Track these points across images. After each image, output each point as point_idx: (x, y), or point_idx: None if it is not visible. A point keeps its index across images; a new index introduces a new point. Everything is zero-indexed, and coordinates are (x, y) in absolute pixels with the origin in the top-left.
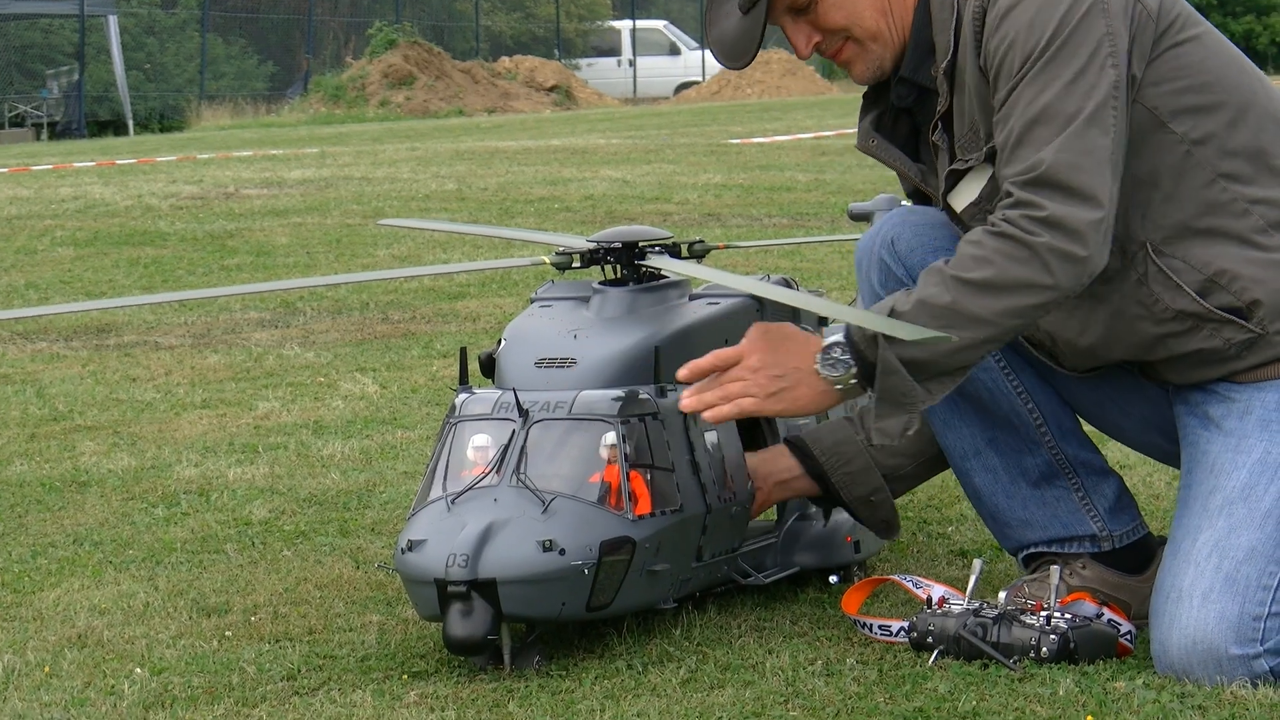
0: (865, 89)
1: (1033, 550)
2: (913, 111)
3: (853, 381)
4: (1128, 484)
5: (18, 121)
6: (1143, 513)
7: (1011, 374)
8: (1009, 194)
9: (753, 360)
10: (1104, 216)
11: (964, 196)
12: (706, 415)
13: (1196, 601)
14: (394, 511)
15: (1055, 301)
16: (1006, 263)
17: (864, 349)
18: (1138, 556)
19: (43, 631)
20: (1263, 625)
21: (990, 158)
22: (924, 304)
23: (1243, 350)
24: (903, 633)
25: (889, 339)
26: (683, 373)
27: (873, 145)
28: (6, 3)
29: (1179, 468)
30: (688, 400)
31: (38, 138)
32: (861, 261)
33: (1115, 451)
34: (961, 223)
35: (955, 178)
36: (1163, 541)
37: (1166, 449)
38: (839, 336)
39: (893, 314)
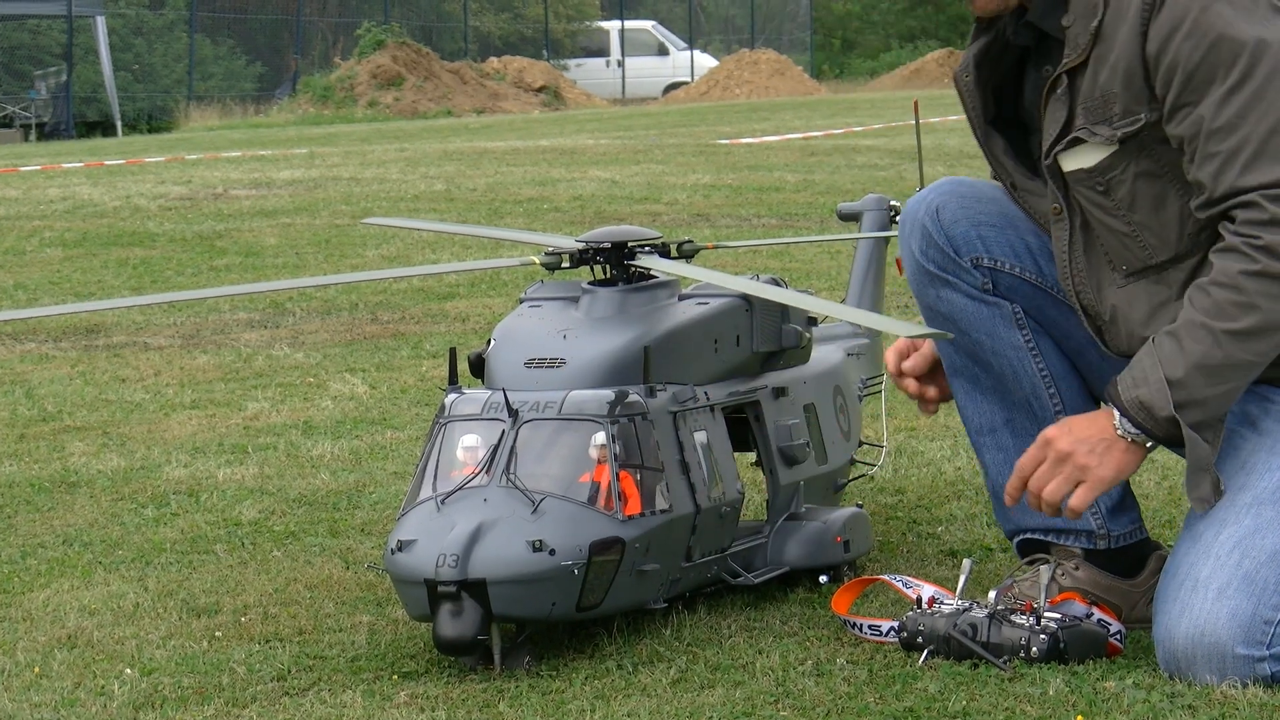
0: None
1: (1029, 536)
2: (1030, 49)
3: (1160, 436)
4: None
5: (6, 123)
6: None
7: (1040, 358)
8: (1253, 204)
9: (1061, 446)
10: None
11: (1076, 160)
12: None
13: (1211, 594)
14: (384, 512)
15: None
16: (1272, 303)
17: (1150, 426)
18: (1131, 559)
19: (32, 632)
20: (1272, 630)
21: (1123, 140)
22: (1201, 367)
23: None
24: (893, 633)
25: (1180, 409)
26: (1009, 500)
27: (965, 81)
28: None
29: None
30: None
31: (26, 139)
32: (905, 225)
33: None
34: (1060, 178)
35: (1074, 141)
36: (1157, 547)
37: None
38: (1118, 413)
39: (1170, 384)
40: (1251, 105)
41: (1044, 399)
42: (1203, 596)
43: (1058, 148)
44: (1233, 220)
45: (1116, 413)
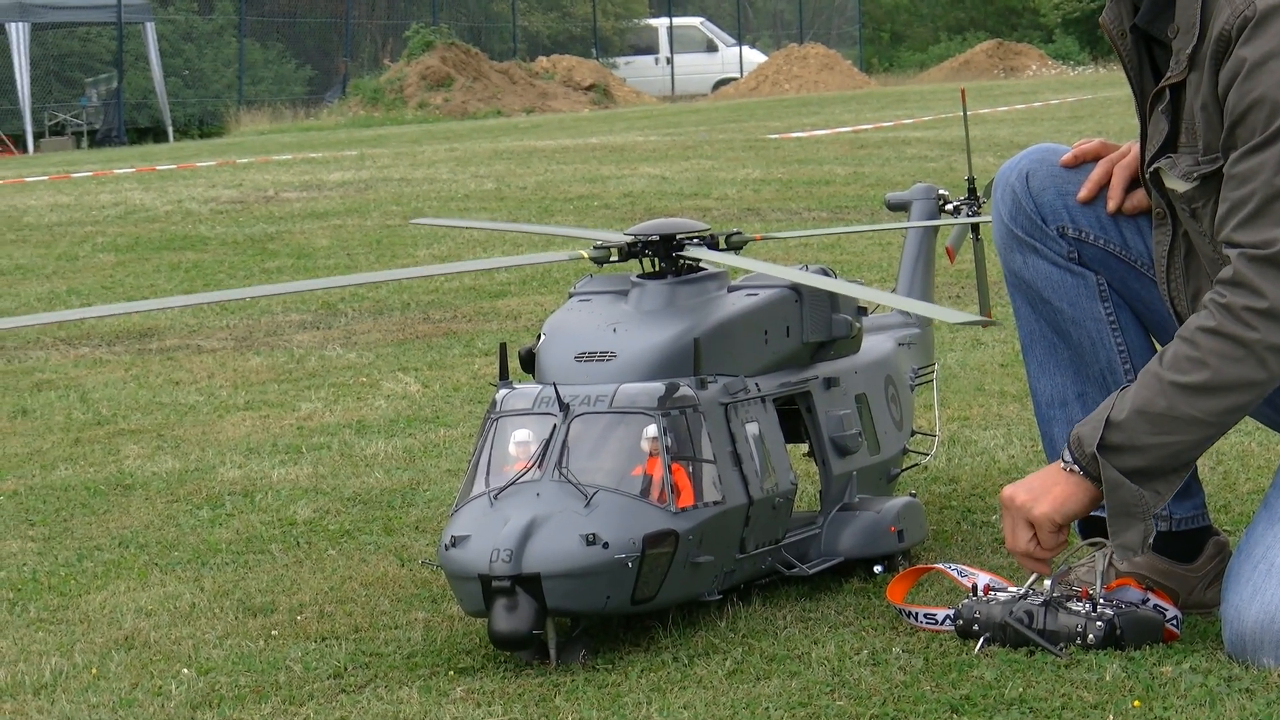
0: None
1: (1090, 514)
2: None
3: (1092, 474)
4: None
5: (58, 130)
6: None
7: (1119, 333)
8: (1233, 260)
9: (1006, 494)
10: None
11: (1171, 181)
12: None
13: None
14: (438, 509)
15: (1269, 389)
16: (1222, 363)
17: (1081, 460)
18: (1190, 544)
19: (90, 634)
20: None
21: (1204, 179)
22: (1141, 413)
23: None
24: (948, 621)
25: (1105, 452)
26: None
27: (1113, 29)
28: (44, 12)
29: None
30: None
31: (78, 146)
32: (996, 186)
33: None
34: (1162, 188)
35: (1169, 160)
36: (1216, 533)
37: (1271, 416)
38: (1067, 450)
39: (1109, 424)
40: (1268, 163)
41: (1119, 374)
42: (1277, 582)
43: (1158, 163)
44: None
45: (1064, 452)
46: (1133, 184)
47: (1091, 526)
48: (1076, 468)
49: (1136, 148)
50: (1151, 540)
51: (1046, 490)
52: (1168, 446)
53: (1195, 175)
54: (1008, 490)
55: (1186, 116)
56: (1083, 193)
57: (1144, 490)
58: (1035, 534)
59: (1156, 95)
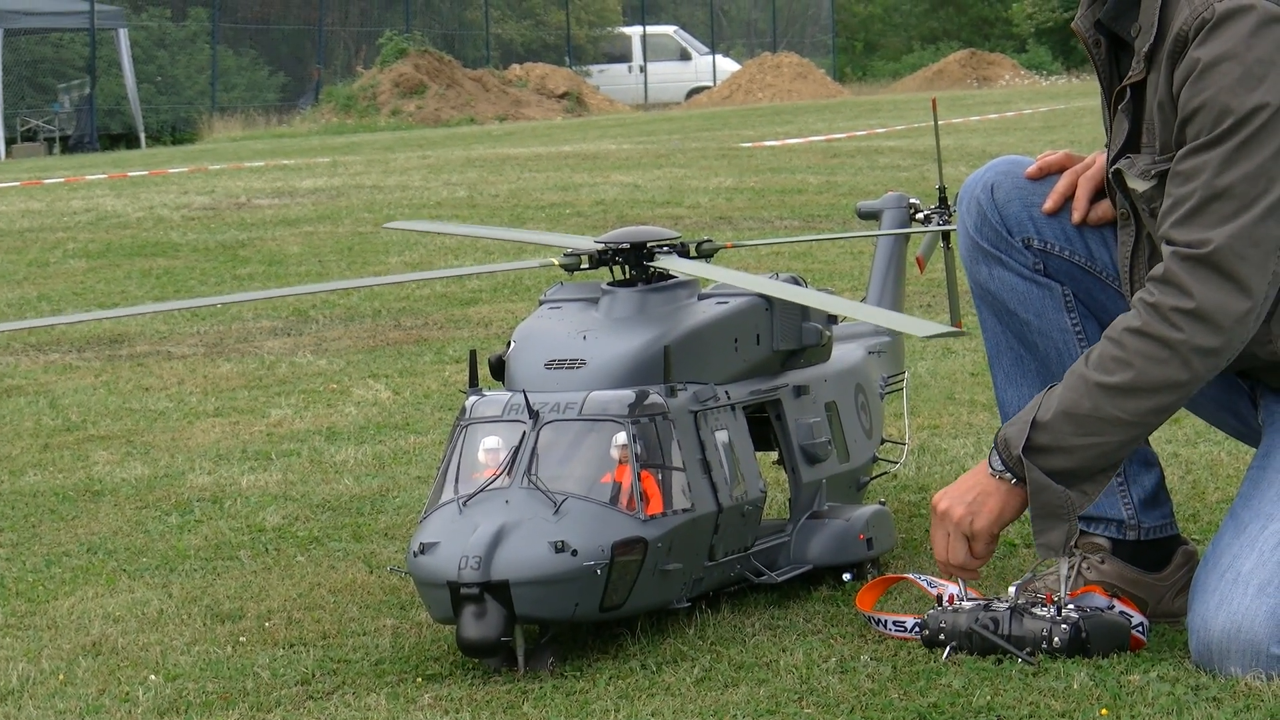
0: None
1: None
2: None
3: (1018, 475)
4: None
5: (30, 136)
6: None
7: (1085, 343)
8: (1165, 261)
9: (941, 506)
10: (1251, 308)
11: (1130, 180)
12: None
13: (1252, 590)
14: (407, 516)
15: (1194, 391)
16: (1146, 364)
17: (1009, 463)
18: (1159, 553)
19: (57, 640)
20: None
21: (1160, 178)
22: (1067, 414)
23: None
24: (916, 629)
25: (1031, 454)
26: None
27: (1086, 33)
28: (17, 17)
29: (1253, 445)
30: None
31: (49, 152)
32: (962, 200)
33: None
34: (1125, 188)
35: (1128, 160)
36: (1184, 542)
37: (1237, 427)
38: (995, 453)
39: (1034, 425)
40: (1211, 163)
41: None
42: (1243, 591)
43: (1119, 162)
44: None
45: (990, 453)
46: (1098, 195)
47: None
48: (1008, 474)
49: (1101, 159)
50: (1074, 540)
51: (981, 503)
52: (1094, 447)
53: (1153, 173)
54: (942, 503)
55: (1147, 116)
56: (1048, 204)
57: (1071, 491)
58: (970, 544)
59: (1118, 95)
